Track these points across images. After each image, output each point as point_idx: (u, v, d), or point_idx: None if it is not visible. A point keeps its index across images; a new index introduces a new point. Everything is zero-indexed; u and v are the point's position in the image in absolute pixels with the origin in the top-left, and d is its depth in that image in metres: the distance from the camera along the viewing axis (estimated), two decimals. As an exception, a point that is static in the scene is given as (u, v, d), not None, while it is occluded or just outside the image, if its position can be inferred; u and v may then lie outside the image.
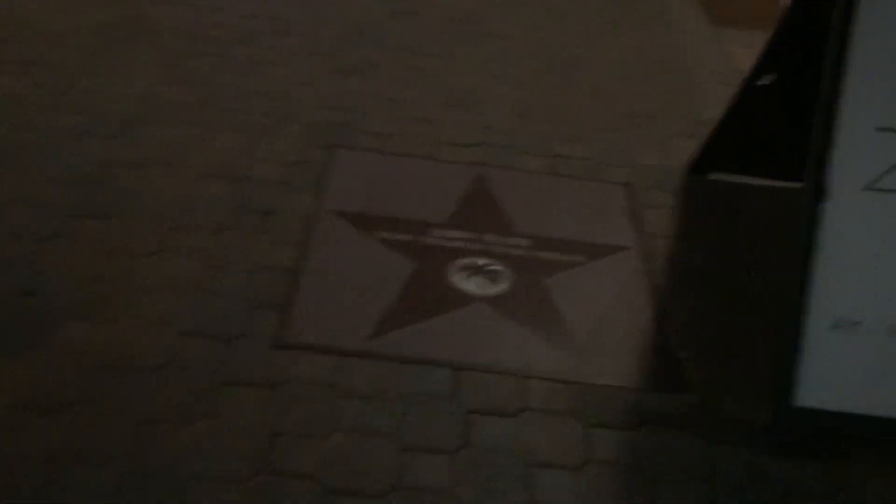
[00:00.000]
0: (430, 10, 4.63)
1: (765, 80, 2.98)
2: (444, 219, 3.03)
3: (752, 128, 3.16)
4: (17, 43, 3.80)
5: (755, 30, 4.70)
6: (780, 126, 3.10)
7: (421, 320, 2.58)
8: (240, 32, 4.15)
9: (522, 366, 2.46)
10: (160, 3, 4.31)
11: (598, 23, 4.74)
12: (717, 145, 3.29)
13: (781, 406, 2.28)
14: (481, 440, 2.23)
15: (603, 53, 4.39)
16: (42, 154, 3.12)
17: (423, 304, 2.64)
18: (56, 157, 3.11)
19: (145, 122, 3.38)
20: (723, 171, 3.41)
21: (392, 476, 2.11)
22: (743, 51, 4.48)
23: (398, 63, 4.06)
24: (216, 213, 2.93)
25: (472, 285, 2.74)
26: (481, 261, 2.85)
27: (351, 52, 4.11)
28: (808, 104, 2.35)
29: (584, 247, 2.98)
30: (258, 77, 3.79)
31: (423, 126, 3.58)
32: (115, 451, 2.08)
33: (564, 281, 2.81)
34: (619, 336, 2.62)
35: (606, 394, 2.41)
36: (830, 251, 2.22)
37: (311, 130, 3.45)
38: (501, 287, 2.75)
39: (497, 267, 2.83)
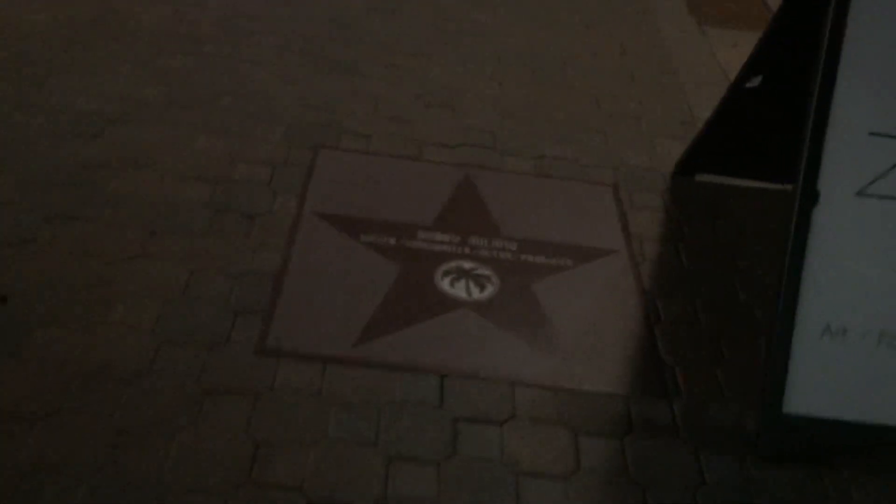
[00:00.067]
0: (411, 7, 4.58)
1: (753, 83, 2.97)
2: (430, 221, 2.99)
3: (739, 129, 3.15)
4: (-8, 40, 3.72)
5: (741, 29, 4.71)
6: (767, 128, 3.09)
7: (407, 326, 2.54)
8: (219, 30, 4.08)
9: (510, 373, 2.43)
10: (138, 0, 4.24)
11: (583, 22, 4.71)
12: (705, 146, 3.28)
13: (770, 412, 2.26)
14: (468, 449, 2.20)
15: (589, 53, 4.36)
16: (16, 155, 3.05)
17: (409, 310, 2.60)
18: (31, 158, 3.04)
19: (123, 121, 3.31)
20: (710, 173, 3.40)
21: (378, 486, 2.07)
22: (729, 50, 4.47)
23: (380, 61, 4.01)
24: (197, 217, 2.87)
25: (458, 290, 2.70)
26: (468, 265, 2.81)
27: (332, 50, 4.05)
28: (797, 106, 2.33)
29: (572, 250, 2.95)
30: (238, 76, 3.73)
31: (406, 126, 3.53)
32: (92, 462, 2.02)
33: (552, 285, 2.78)
34: (607, 342, 2.60)
35: (594, 400, 2.39)
36: (820, 256, 2.21)
37: (292, 131, 3.40)
38: (488, 292, 2.71)
39: (484, 271, 2.79)
